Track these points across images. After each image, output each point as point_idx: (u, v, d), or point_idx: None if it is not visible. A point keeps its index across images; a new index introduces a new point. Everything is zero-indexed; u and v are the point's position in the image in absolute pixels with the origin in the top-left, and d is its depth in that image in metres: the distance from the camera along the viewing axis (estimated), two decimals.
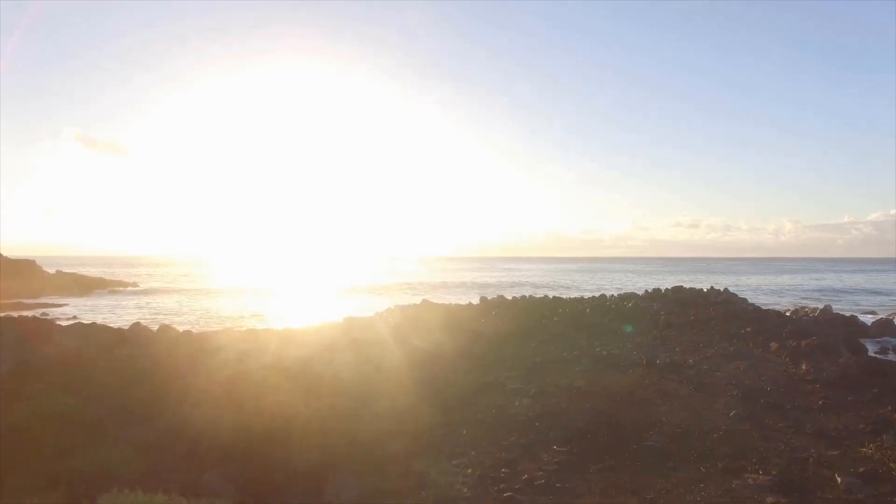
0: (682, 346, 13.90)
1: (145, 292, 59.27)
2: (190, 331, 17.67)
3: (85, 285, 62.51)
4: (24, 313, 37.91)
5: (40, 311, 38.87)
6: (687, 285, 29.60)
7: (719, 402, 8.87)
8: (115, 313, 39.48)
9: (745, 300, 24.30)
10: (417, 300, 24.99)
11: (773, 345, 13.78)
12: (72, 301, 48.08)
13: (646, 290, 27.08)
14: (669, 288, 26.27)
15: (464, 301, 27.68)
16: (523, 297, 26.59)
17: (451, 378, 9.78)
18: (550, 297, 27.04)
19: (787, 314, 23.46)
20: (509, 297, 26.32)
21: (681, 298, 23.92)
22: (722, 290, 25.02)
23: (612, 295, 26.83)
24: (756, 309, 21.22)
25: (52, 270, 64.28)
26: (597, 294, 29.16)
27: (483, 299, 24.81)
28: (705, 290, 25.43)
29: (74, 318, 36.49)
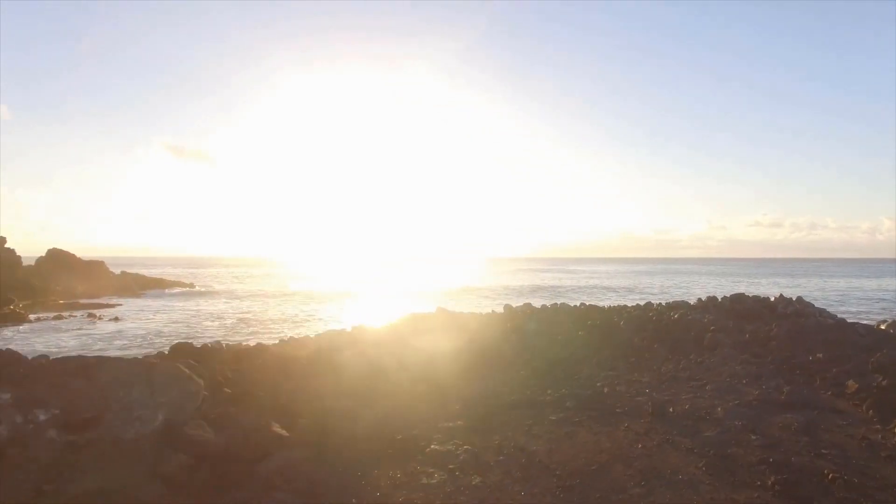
0: (718, 382, 10.39)
1: (197, 293, 60.34)
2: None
3: (144, 285, 64.78)
4: (76, 313, 38.90)
5: (89, 311, 39.72)
6: (764, 290, 25.30)
7: (741, 497, 5.65)
8: (162, 313, 39.50)
9: (823, 312, 19.75)
10: (456, 305, 22.43)
11: (852, 384, 10.01)
12: (126, 301, 49.36)
13: (699, 299, 23.00)
14: (728, 296, 22.07)
15: (496, 308, 24.83)
16: (554, 305, 23.31)
17: (354, 431, 7.05)
18: (586, 304, 23.59)
19: (882, 327, 18.74)
20: (547, 304, 23.19)
21: (740, 310, 19.79)
22: (794, 298, 20.53)
23: (660, 304, 23.00)
24: (837, 324, 16.85)
25: (117, 271, 67.09)
26: (660, 299, 25.46)
27: (507, 307, 21.81)
28: (773, 298, 21.04)
29: (116, 318, 36.76)
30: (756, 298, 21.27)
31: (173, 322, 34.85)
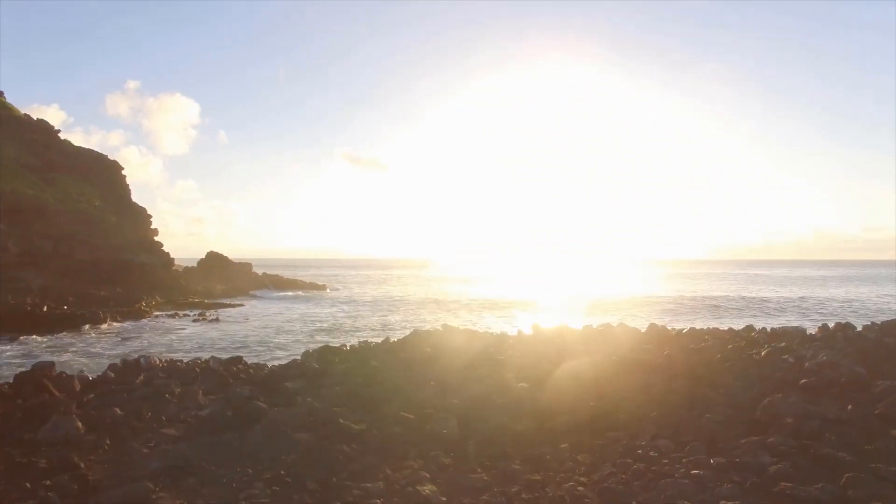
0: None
1: (318, 297, 62.69)
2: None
3: (279, 285, 69.56)
4: (191, 311, 41.91)
5: (205, 310, 42.72)
6: None
7: None
8: (264, 316, 40.84)
9: None
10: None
11: None
12: (249, 302, 52.79)
13: (825, 325, 15.59)
14: (877, 324, 14.51)
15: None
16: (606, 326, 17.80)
17: None
18: (658, 325, 17.69)
19: None
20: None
21: (884, 347, 12.53)
22: None
23: (769, 329, 16.21)
24: None
25: (260, 272, 73.12)
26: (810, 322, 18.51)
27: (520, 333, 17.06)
28: None
29: (217, 318, 38.24)
30: None
31: (264, 327, 35.34)
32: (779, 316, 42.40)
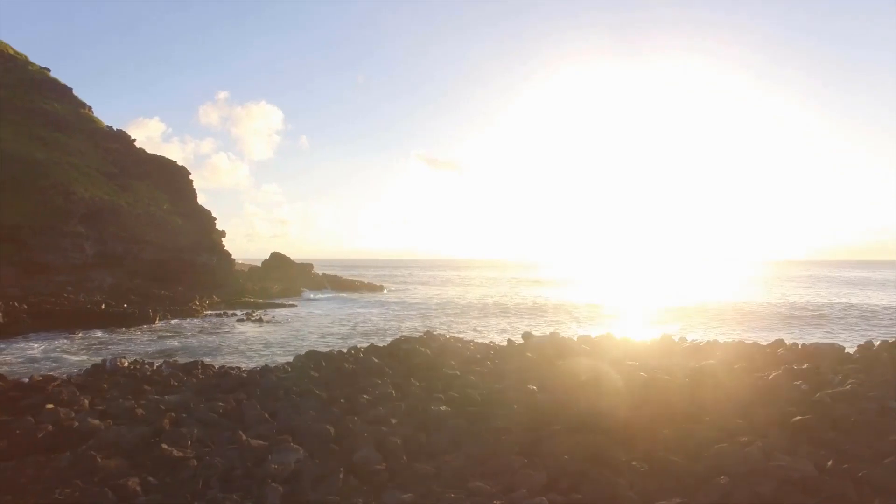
0: None
1: (367, 299, 63.03)
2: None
3: (337, 286, 70.78)
4: (239, 311, 43.21)
5: (253, 310, 43.96)
6: None
7: None
8: (309, 319, 41.36)
9: None
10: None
11: None
12: (302, 303, 53.91)
13: None
14: None
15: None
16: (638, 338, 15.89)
17: None
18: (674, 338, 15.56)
19: None
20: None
21: None
22: None
23: (800, 346, 13.68)
24: None
25: (320, 272, 74.90)
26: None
27: (526, 335, 15.50)
28: None
29: (260, 319, 39.12)
30: None
31: (296, 330, 35.70)
32: (855, 329, 37.23)
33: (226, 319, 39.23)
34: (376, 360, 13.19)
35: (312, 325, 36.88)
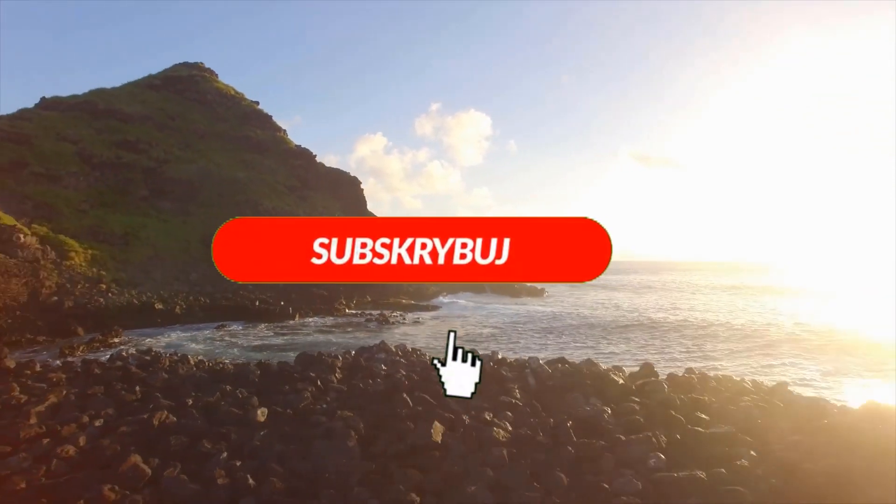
0: None
1: (520, 305, 59.39)
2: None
3: (497, 287, 68.66)
4: (374, 312, 44.15)
5: (396, 312, 44.54)
6: None
7: None
8: (447, 317, 40.27)
9: None
10: None
11: None
12: (452, 304, 53.25)
13: None
14: None
15: None
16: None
17: None
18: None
19: None
20: None
21: None
22: None
23: None
24: None
25: None
26: None
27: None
28: None
29: (395, 321, 39.01)
30: None
31: (410, 334, 34.71)
32: None
33: (357, 318, 40.16)
34: None
35: (439, 329, 35.48)
